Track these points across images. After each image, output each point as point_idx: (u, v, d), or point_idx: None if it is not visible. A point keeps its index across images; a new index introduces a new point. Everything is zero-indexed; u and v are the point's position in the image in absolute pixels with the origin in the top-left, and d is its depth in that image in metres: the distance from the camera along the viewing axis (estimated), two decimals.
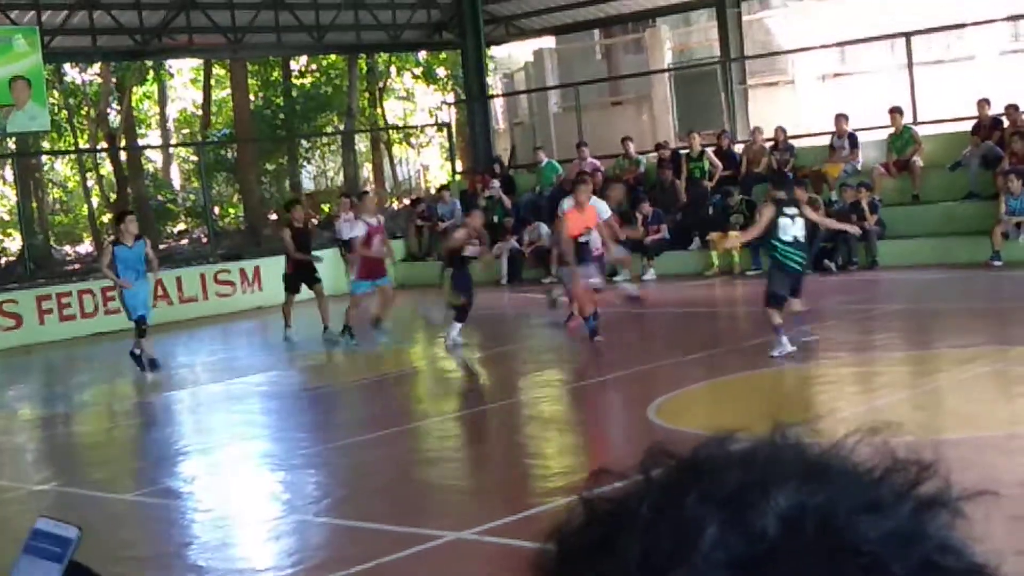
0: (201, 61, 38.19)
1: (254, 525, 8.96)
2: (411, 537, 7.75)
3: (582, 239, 14.92)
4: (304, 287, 18.28)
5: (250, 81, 38.01)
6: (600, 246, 15.33)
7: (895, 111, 21.77)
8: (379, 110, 41.52)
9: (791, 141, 22.83)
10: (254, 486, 10.15)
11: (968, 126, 21.14)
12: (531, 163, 27.15)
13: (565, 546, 0.83)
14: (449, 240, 16.50)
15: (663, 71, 28.22)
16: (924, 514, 0.81)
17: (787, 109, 25.14)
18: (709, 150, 23.49)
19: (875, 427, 0.88)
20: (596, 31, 31.41)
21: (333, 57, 38.37)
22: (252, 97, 38.51)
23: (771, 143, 22.90)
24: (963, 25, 23.33)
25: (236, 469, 10.83)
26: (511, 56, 35.34)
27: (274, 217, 34.00)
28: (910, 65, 22.85)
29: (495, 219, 24.82)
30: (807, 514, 0.78)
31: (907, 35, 23.05)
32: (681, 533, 0.77)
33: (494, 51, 32.98)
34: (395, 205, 36.26)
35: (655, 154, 24.47)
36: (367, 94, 40.77)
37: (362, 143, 40.44)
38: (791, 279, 12.71)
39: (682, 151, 23.96)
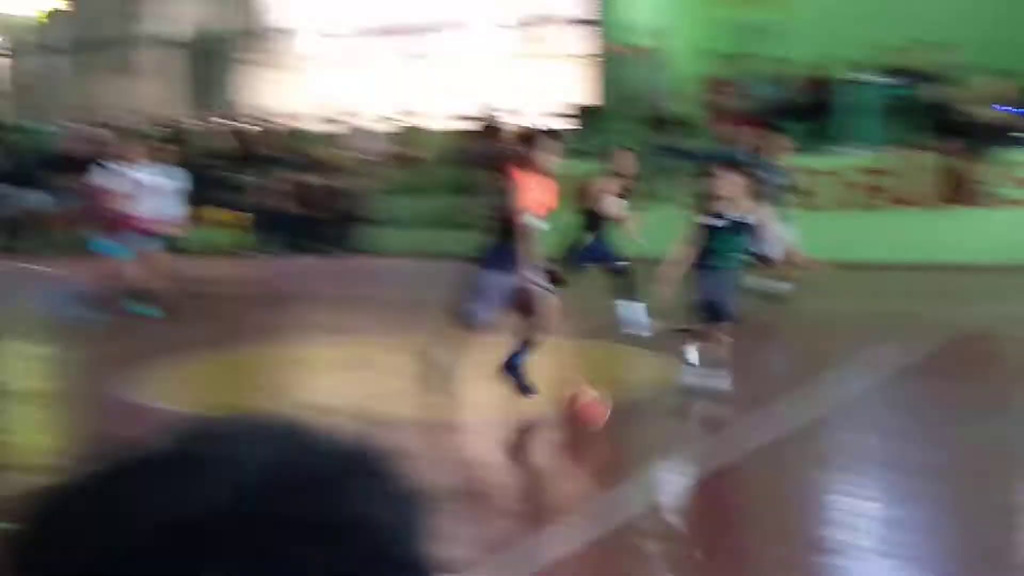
0: None
1: None
2: None
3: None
4: None
5: None
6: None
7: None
8: None
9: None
10: None
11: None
12: None
13: (32, 523, 0.82)
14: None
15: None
16: (375, 500, 0.82)
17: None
18: None
19: (339, 413, 0.83)
20: None
21: None
22: None
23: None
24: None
25: None
26: None
27: None
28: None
29: None
30: (252, 487, 0.79)
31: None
32: (123, 498, 0.79)
33: None
34: None
35: None
36: None
37: None
38: None
39: None
